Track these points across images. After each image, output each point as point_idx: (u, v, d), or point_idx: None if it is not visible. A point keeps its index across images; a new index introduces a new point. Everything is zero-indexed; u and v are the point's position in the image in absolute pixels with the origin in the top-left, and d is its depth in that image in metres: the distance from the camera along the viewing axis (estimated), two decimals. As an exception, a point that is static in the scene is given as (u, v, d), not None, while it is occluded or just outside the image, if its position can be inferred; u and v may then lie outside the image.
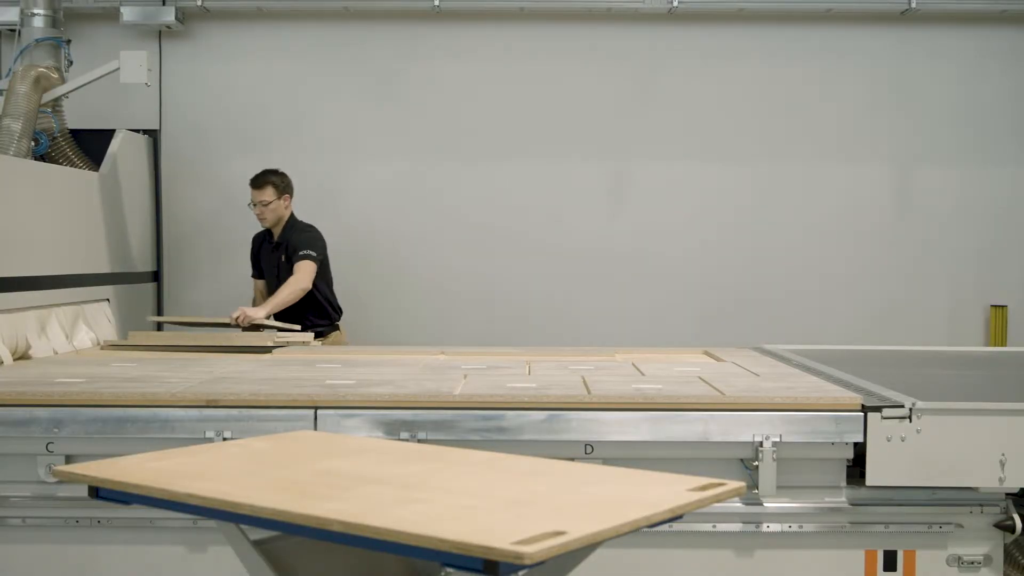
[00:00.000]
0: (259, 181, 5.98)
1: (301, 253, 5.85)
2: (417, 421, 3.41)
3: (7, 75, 6.26)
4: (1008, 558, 3.54)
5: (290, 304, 5.71)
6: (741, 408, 3.43)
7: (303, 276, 5.76)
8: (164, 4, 7.02)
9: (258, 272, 6.22)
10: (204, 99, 7.25)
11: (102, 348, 5.34)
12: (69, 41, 6.40)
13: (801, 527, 3.46)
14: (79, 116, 6.51)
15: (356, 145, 7.26)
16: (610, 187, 7.31)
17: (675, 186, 7.28)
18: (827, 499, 3.46)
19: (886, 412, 3.36)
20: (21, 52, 6.19)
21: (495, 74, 7.27)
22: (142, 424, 3.43)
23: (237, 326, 5.48)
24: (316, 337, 5.85)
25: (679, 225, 7.28)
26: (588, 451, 3.43)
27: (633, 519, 2.01)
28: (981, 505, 3.44)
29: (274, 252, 6.04)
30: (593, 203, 7.29)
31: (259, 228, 6.19)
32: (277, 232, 6.04)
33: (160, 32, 7.18)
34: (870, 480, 3.36)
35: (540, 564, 1.77)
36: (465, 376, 3.99)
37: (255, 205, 5.97)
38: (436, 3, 7.02)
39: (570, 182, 7.28)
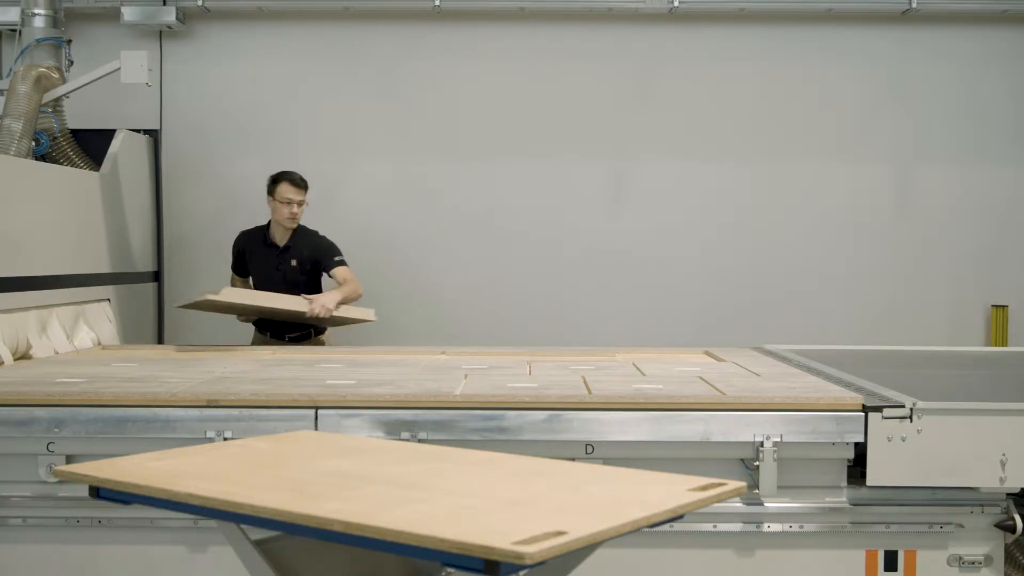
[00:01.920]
0: (303, 182, 5.77)
1: (337, 259, 5.76)
2: (418, 421, 3.41)
3: (8, 75, 6.26)
4: (1009, 558, 3.54)
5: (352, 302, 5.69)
6: (742, 408, 3.43)
7: (357, 283, 5.71)
8: (165, 4, 7.02)
9: (242, 271, 5.97)
10: (205, 99, 7.25)
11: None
12: (70, 41, 6.40)
13: (802, 527, 3.46)
14: (80, 116, 6.51)
15: (356, 145, 7.26)
16: (610, 187, 7.31)
17: (675, 186, 7.28)
18: (828, 499, 3.46)
19: (887, 412, 3.36)
20: (22, 52, 6.19)
21: (495, 74, 7.27)
22: (143, 424, 3.43)
23: (308, 319, 5.49)
24: (318, 335, 5.86)
25: (679, 225, 7.28)
26: (589, 451, 3.43)
27: (634, 519, 2.01)
28: (982, 505, 3.44)
29: (280, 256, 5.81)
30: (593, 203, 7.28)
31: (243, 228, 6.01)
32: (285, 236, 5.81)
33: (161, 32, 7.18)
34: (871, 480, 3.37)
35: (541, 564, 1.78)
36: (466, 376, 3.99)
37: (292, 204, 5.70)
38: (436, 3, 7.02)
39: (570, 182, 7.28)
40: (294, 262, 5.78)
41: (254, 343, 5.91)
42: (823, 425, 3.39)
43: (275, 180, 5.80)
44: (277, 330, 5.81)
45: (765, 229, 7.29)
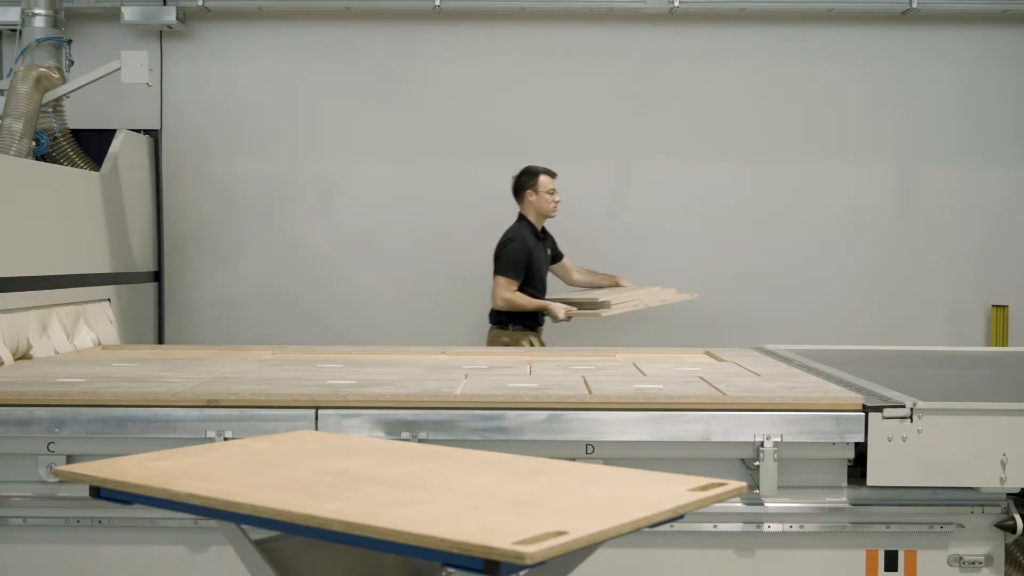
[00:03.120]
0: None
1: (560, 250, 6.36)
2: (418, 421, 3.41)
3: (8, 75, 6.26)
4: (1009, 558, 3.54)
5: None
6: (742, 408, 3.43)
7: None
8: (165, 4, 7.02)
9: (524, 275, 6.01)
10: (205, 99, 7.25)
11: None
12: (70, 41, 6.40)
13: (802, 527, 3.46)
14: (80, 116, 6.51)
15: (356, 145, 7.26)
16: (610, 187, 7.31)
17: (675, 186, 7.28)
18: (828, 499, 3.46)
19: (887, 412, 3.36)
20: (22, 52, 6.19)
21: (495, 74, 7.27)
22: (143, 424, 3.43)
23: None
24: (534, 329, 6.05)
25: (678, 224, 7.27)
26: (589, 451, 3.43)
27: (634, 519, 2.01)
28: (982, 505, 3.44)
29: (545, 246, 6.20)
30: (593, 203, 7.28)
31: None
32: (541, 224, 6.20)
33: (161, 32, 7.18)
34: (871, 480, 3.36)
35: (541, 564, 1.78)
36: (466, 376, 3.99)
37: (555, 193, 6.11)
38: (436, 3, 7.02)
39: (570, 181, 7.25)
40: (549, 251, 6.21)
41: (491, 343, 6.03)
42: (823, 425, 3.39)
43: (533, 174, 6.11)
44: (536, 324, 6.06)
45: (765, 229, 7.29)
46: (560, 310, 5.88)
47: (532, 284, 6.01)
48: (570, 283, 6.53)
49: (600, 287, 6.46)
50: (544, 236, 6.22)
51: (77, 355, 5.00)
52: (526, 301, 5.94)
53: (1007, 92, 7.28)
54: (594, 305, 5.94)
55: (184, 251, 7.22)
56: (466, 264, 7.25)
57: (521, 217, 6.16)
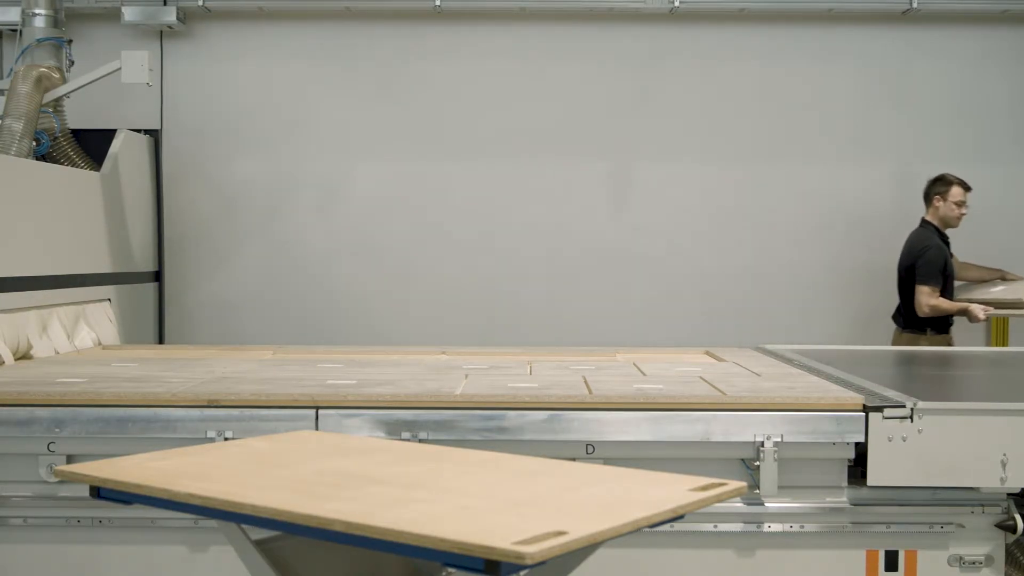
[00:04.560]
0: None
1: None
2: (418, 421, 3.41)
3: (8, 75, 6.27)
4: (1010, 558, 3.54)
5: None
6: (742, 408, 3.43)
7: None
8: (165, 4, 7.02)
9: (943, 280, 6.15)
10: (205, 99, 7.25)
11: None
12: (70, 41, 6.40)
13: (802, 527, 3.46)
14: (80, 116, 6.51)
15: (357, 145, 7.26)
16: (610, 187, 7.31)
17: (675, 186, 7.28)
18: (828, 499, 3.46)
19: (887, 412, 3.36)
20: (22, 52, 6.19)
21: (495, 74, 7.27)
22: (143, 424, 3.43)
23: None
24: (947, 331, 6.17)
25: (679, 225, 7.27)
26: (589, 451, 3.43)
27: (634, 519, 2.01)
28: (982, 505, 3.44)
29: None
30: (593, 203, 7.28)
31: None
32: (944, 231, 6.31)
33: (161, 32, 7.19)
34: (871, 480, 3.36)
35: (541, 564, 1.78)
36: (466, 376, 3.99)
37: (963, 205, 6.22)
38: (437, 3, 7.02)
39: (570, 182, 7.28)
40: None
41: (896, 342, 6.13)
42: (824, 425, 3.39)
43: (947, 183, 6.22)
44: (948, 326, 6.19)
45: (765, 229, 7.29)
46: (980, 311, 5.98)
47: (948, 287, 6.13)
48: (957, 278, 6.56)
49: (987, 281, 6.55)
50: (946, 239, 6.34)
51: (77, 355, 5.00)
52: (949, 305, 6.06)
53: (1007, 92, 7.28)
54: (1019, 305, 6.05)
55: (184, 251, 7.22)
56: (466, 263, 7.26)
57: (925, 223, 6.29)
